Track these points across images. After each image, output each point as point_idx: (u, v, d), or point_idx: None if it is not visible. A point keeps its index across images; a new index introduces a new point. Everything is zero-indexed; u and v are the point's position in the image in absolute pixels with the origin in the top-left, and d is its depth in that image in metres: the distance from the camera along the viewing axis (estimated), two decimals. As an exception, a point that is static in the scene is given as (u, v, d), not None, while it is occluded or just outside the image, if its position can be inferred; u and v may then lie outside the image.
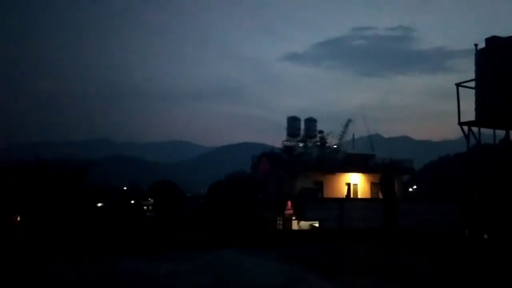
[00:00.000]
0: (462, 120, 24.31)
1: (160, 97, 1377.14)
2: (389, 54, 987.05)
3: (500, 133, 24.56)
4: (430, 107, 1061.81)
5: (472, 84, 24.20)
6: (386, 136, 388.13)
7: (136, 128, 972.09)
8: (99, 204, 35.55)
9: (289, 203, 32.81)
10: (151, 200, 61.38)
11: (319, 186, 40.09)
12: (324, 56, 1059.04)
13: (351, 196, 41.37)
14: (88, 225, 24.34)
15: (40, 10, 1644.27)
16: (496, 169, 23.48)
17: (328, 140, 45.43)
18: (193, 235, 23.16)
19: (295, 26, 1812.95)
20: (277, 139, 47.69)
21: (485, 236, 22.58)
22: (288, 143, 46.12)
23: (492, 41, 23.07)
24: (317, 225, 33.71)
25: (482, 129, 24.16)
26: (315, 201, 36.02)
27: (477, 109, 23.72)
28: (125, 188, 72.69)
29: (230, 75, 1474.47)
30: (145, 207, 55.24)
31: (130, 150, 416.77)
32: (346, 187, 41.87)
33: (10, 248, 19.07)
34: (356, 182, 42.43)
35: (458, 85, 24.86)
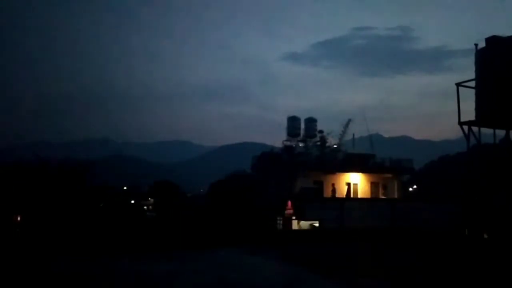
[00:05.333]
0: (462, 120, 24.32)
1: (160, 97, 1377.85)
2: (388, 54, 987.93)
3: (500, 133, 24.58)
4: (430, 107, 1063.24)
5: (472, 84, 24.21)
6: (386, 136, 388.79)
7: (136, 128, 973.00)
8: (100, 204, 35.54)
9: (289, 203, 32.79)
10: (151, 200, 61.46)
11: (320, 186, 40.07)
12: (324, 56, 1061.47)
13: (351, 195, 41.36)
14: (88, 225, 24.34)
15: (40, 12, 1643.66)
16: (496, 168, 23.48)
17: (328, 140, 45.35)
18: (193, 235, 23.15)
19: (294, 26, 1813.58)
20: (277, 139, 47.63)
21: (485, 236, 22.59)
22: (288, 143, 46.05)
23: (492, 41, 23.08)
24: (317, 225, 33.70)
25: (482, 129, 24.17)
26: (315, 201, 35.99)
27: (477, 109, 23.73)
28: (125, 188, 72.78)
29: (230, 75, 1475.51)
30: (145, 207, 55.28)
31: (130, 150, 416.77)
32: (346, 187, 41.87)
33: (10, 248, 19.07)
34: (356, 182, 42.42)
35: (458, 85, 24.87)
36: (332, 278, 13.70)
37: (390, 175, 43.57)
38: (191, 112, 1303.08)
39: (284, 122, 46.82)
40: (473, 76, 23.96)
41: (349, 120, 46.64)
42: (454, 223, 26.34)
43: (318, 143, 45.58)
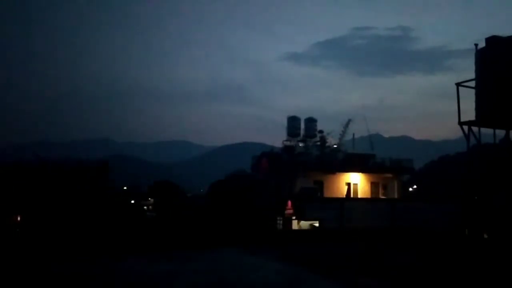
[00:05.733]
0: (462, 120, 24.32)
1: (160, 97, 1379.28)
2: (389, 54, 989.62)
3: (500, 133, 24.59)
4: (430, 107, 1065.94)
5: (472, 83, 24.21)
6: (386, 136, 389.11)
7: (136, 128, 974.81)
8: (100, 204, 35.52)
9: (289, 203, 32.78)
10: (151, 200, 61.34)
11: (320, 186, 40.11)
12: (324, 56, 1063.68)
13: (351, 195, 41.40)
14: (88, 225, 24.32)
15: (41, 11, 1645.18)
16: (496, 168, 23.50)
17: (328, 140, 45.44)
18: (194, 235, 23.13)
19: (294, 26, 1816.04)
20: (277, 139, 47.76)
21: (485, 236, 22.60)
22: (288, 143, 46.12)
23: (492, 41, 23.09)
24: (317, 225, 33.70)
25: (482, 129, 24.18)
26: (315, 201, 36.00)
27: (477, 108, 23.73)
28: (125, 188, 72.64)
29: (230, 75, 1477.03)
30: (145, 207, 55.19)
31: (130, 150, 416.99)
32: (346, 187, 41.90)
33: (10, 248, 19.07)
34: (356, 182, 42.47)
35: (458, 84, 24.88)
36: (332, 278, 13.71)
37: (390, 175, 43.63)
38: (191, 112, 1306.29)
39: (284, 122, 46.93)
40: (473, 76, 23.95)
41: (349, 120, 46.76)
42: (454, 223, 26.33)
43: (318, 143, 45.64)
